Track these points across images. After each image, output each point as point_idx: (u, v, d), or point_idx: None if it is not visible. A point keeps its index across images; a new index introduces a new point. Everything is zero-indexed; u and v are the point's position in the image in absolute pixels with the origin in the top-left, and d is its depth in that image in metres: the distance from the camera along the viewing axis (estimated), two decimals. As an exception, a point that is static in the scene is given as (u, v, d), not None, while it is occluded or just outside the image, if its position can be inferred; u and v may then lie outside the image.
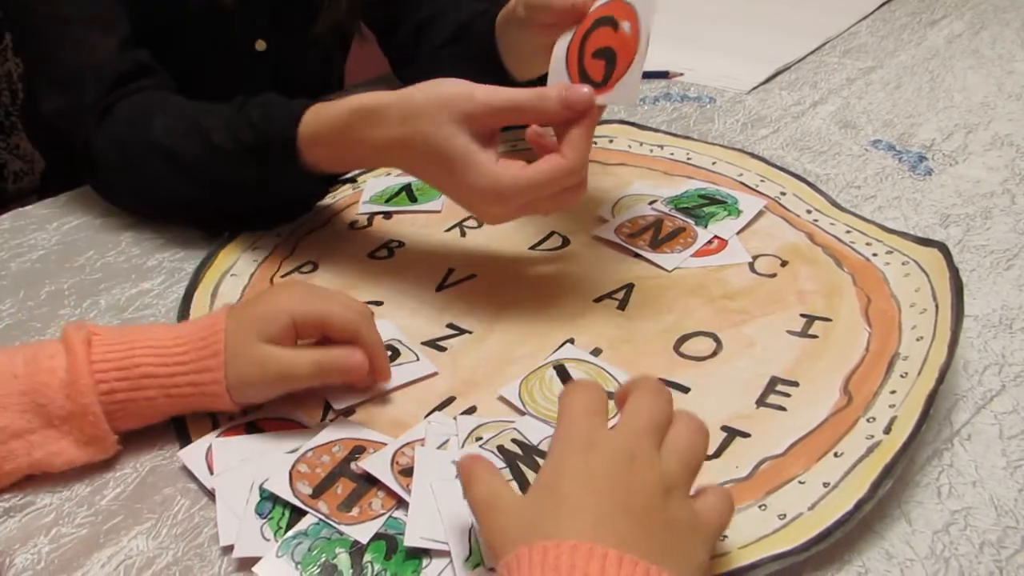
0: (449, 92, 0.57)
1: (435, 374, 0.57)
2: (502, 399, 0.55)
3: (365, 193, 0.78)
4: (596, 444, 0.41)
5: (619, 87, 0.58)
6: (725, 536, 0.45)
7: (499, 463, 0.50)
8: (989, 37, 1.14)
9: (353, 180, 0.80)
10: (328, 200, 0.77)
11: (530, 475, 0.49)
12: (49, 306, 0.67)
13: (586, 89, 0.56)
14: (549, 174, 0.56)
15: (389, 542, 0.46)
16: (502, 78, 0.75)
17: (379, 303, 0.64)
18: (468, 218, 0.74)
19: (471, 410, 0.54)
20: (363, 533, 0.46)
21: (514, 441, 0.51)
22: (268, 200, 0.71)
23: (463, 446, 0.51)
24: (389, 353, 0.59)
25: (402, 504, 0.47)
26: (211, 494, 0.50)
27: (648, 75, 1.00)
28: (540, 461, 0.50)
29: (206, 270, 0.68)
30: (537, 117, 0.58)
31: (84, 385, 0.49)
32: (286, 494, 0.48)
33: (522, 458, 0.50)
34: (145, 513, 0.49)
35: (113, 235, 0.75)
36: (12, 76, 1.25)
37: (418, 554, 0.45)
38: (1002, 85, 1.00)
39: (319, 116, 0.63)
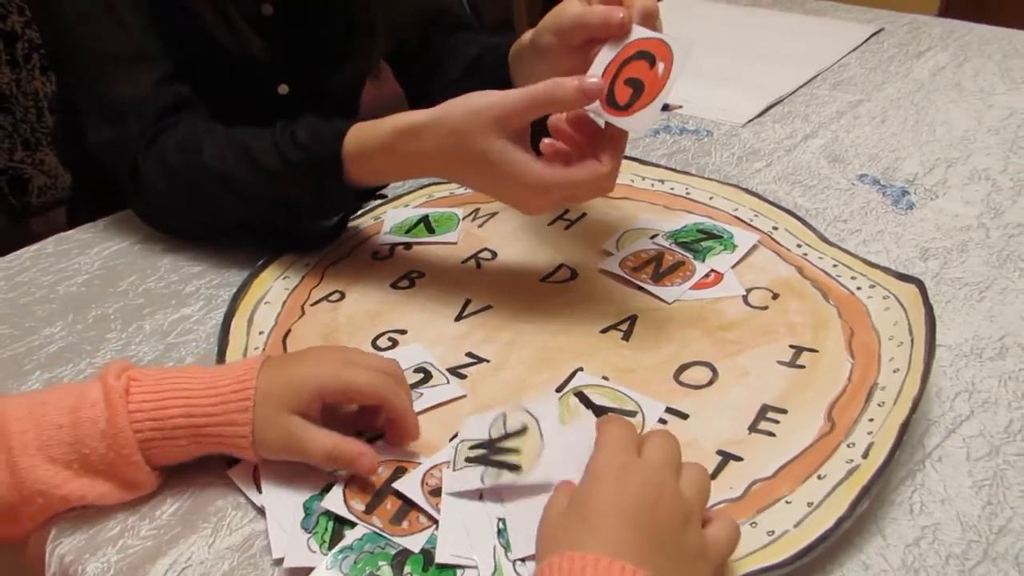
0: (479, 103, 0.64)
1: (464, 396, 0.63)
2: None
3: (386, 224, 0.83)
4: (629, 470, 0.48)
5: (637, 116, 0.64)
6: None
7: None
8: (972, 69, 1.19)
9: (383, 196, 0.86)
10: (351, 231, 0.83)
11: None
12: (97, 330, 0.72)
13: (596, 79, 0.63)
14: (588, 176, 0.64)
15: (426, 556, 0.51)
16: None
17: (403, 331, 0.70)
18: (483, 250, 0.79)
19: (491, 433, 0.60)
20: (415, 543, 0.52)
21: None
22: (314, 215, 0.78)
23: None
24: (421, 376, 0.65)
25: (435, 521, 0.53)
26: (260, 509, 0.55)
27: None
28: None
29: (242, 298, 0.74)
30: (557, 106, 0.65)
31: (125, 438, 0.53)
32: (343, 512, 0.53)
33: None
34: (201, 524, 0.55)
35: (152, 261, 0.81)
36: (39, 94, 1.30)
37: (452, 566, 0.51)
38: (982, 119, 1.05)
39: (362, 134, 0.69)
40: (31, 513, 0.54)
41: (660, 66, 0.64)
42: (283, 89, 0.93)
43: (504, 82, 0.83)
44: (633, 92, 0.64)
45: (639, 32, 0.66)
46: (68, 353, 0.70)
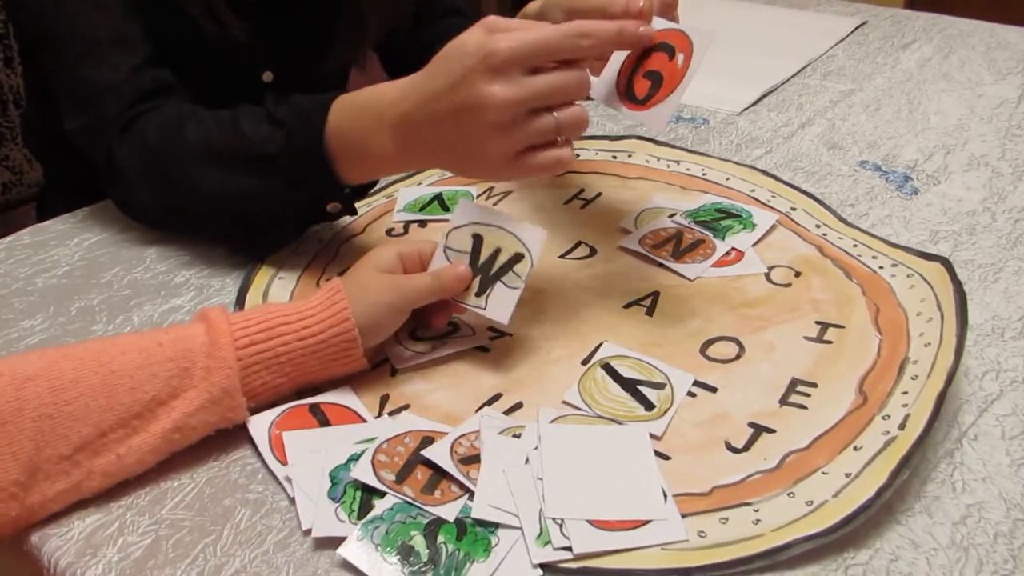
0: (468, 49, 0.58)
1: (488, 349, 0.64)
2: (566, 403, 0.59)
3: (399, 202, 0.82)
4: None
5: (654, 110, 0.63)
6: (758, 520, 0.50)
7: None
8: (958, 61, 1.20)
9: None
10: (363, 209, 0.81)
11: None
12: (81, 322, 0.68)
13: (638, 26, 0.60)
14: (559, 80, 0.57)
15: (459, 525, 0.50)
16: None
17: (422, 306, 0.68)
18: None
19: (517, 406, 0.59)
20: (449, 512, 0.50)
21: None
22: (294, 198, 0.69)
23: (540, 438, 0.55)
24: (449, 327, 0.66)
25: (467, 491, 0.52)
26: (275, 476, 0.54)
27: None
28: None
29: (255, 273, 0.72)
30: (573, 51, 0.58)
31: (224, 343, 0.54)
32: (373, 482, 0.52)
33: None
34: (208, 525, 0.52)
35: (137, 251, 0.77)
36: (3, 87, 1.26)
37: (487, 535, 0.49)
38: (974, 108, 1.06)
39: (349, 96, 0.65)
40: (120, 437, 0.52)
41: (680, 57, 0.62)
42: (267, 76, 0.90)
43: None
44: (652, 85, 0.63)
45: (658, 23, 0.64)
46: (50, 345, 0.65)
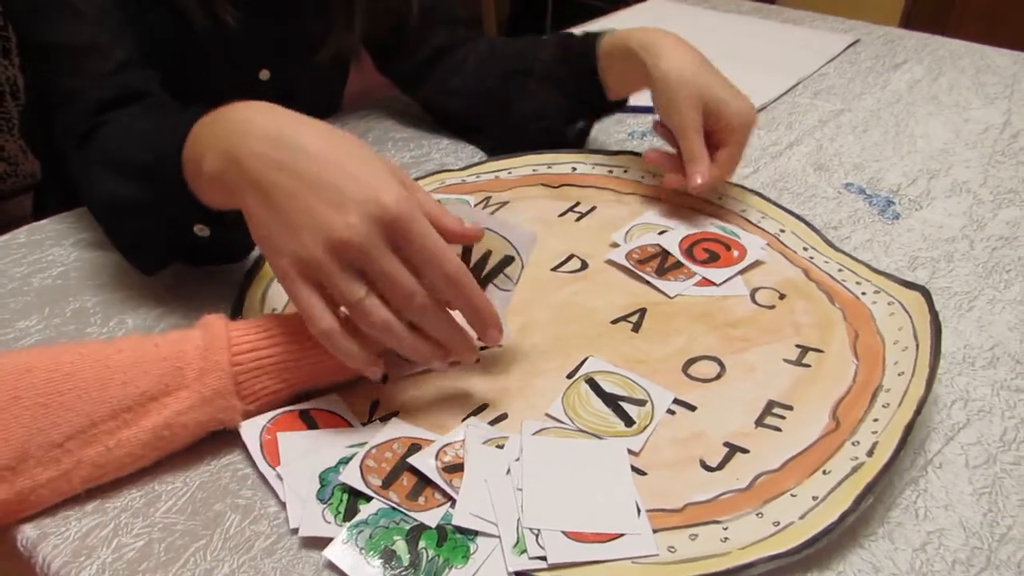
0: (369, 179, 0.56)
1: (478, 360, 0.66)
2: (550, 416, 0.61)
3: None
4: None
5: (711, 272, 0.76)
6: (727, 538, 0.53)
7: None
8: (947, 83, 1.22)
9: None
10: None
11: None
12: (76, 324, 0.69)
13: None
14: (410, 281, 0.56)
15: (440, 532, 0.52)
16: (597, 96, 0.90)
17: (415, 314, 0.70)
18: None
19: (502, 416, 0.61)
20: (431, 519, 0.52)
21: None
22: (164, 212, 0.65)
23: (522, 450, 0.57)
24: None
25: (450, 499, 0.54)
26: (264, 476, 0.56)
27: (633, 110, 1.07)
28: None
29: (252, 279, 0.73)
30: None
31: (219, 346, 0.56)
32: (360, 486, 0.54)
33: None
34: (200, 530, 0.53)
35: None
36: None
37: (466, 542, 0.51)
38: (959, 132, 1.07)
39: (218, 110, 0.61)
40: (110, 429, 0.54)
41: (734, 253, 0.77)
42: (264, 75, 0.91)
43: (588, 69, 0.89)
44: (708, 258, 0.76)
45: (723, 229, 0.80)
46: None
